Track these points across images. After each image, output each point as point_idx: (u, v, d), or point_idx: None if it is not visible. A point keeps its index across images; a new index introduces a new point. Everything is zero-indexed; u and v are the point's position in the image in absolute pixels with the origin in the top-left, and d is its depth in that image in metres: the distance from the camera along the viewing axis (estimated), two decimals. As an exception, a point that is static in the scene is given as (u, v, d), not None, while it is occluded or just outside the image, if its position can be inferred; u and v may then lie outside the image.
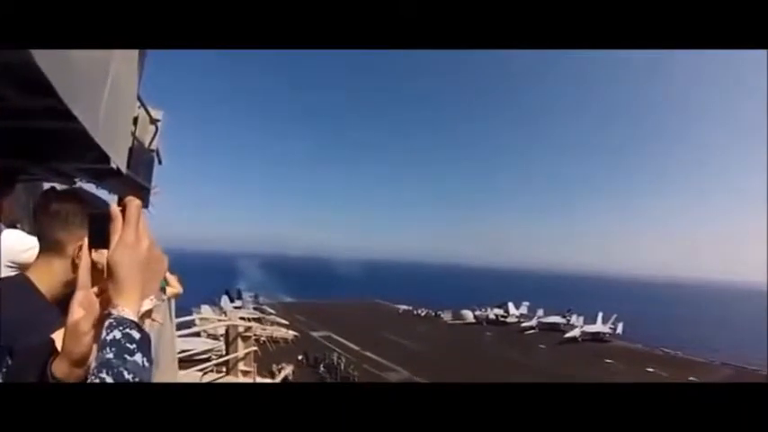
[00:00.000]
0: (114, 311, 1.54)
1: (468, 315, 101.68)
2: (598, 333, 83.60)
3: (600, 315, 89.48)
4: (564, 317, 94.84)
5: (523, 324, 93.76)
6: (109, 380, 1.39)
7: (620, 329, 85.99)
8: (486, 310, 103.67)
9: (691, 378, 57.60)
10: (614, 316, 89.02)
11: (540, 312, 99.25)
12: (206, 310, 62.28)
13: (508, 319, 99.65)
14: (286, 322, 75.80)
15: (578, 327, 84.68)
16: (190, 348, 21.01)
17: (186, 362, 16.93)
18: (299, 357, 54.14)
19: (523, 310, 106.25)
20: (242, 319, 28.73)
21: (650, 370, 61.08)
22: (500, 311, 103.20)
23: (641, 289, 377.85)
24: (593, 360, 66.54)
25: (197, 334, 29.35)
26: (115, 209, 1.64)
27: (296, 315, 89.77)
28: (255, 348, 19.10)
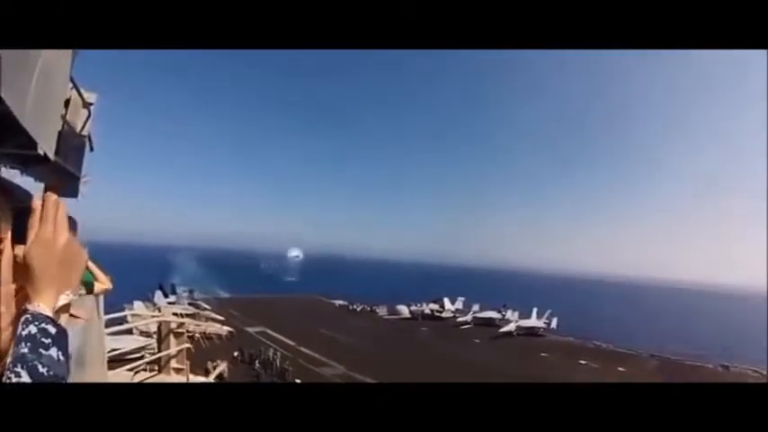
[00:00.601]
0: (30, 307, 1.55)
1: (404, 310, 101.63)
2: (533, 328, 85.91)
3: (535, 310, 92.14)
4: (499, 312, 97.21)
5: (459, 319, 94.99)
6: (24, 374, 1.41)
7: (554, 324, 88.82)
8: (421, 305, 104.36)
9: (620, 369, 59.74)
10: (548, 311, 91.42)
11: (476, 307, 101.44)
12: (138, 307, 60.37)
13: (443, 314, 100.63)
14: (221, 318, 73.54)
15: (513, 321, 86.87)
16: (121, 347, 20.42)
17: (116, 361, 16.38)
18: (235, 354, 53.16)
19: (459, 305, 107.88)
20: (175, 314, 28.08)
21: (583, 362, 62.97)
22: (435, 306, 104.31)
23: (575, 286, 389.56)
24: (529, 353, 68.20)
25: (129, 331, 28.59)
26: (36, 203, 1.62)
27: (231, 310, 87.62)
28: (188, 345, 18.61)
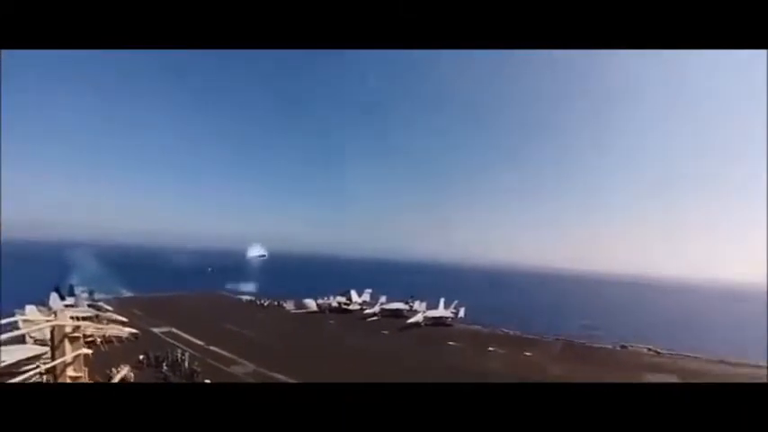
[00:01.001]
0: None
1: (311, 304, 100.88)
2: (440, 317, 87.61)
3: (442, 300, 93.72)
4: (407, 303, 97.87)
5: (366, 311, 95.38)
6: None
7: (461, 314, 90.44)
8: (328, 299, 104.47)
9: (527, 353, 62.71)
10: (456, 301, 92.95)
11: (383, 299, 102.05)
12: (31, 311, 57.15)
13: (351, 307, 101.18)
14: (124, 319, 69.38)
15: (421, 312, 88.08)
16: (9, 359, 19.19)
17: (5, 374, 15.34)
18: (141, 357, 50.93)
19: (366, 297, 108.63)
20: (72, 318, 26.76)
21: (491, 349, 64.67)
22: (343, 299, 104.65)
23: (489, 277, 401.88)
24: (437, 342, 69.92)
25: (22, 339, 27.09)
26: None
27: (135, 311, 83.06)
28: (86, 351, 17.60)
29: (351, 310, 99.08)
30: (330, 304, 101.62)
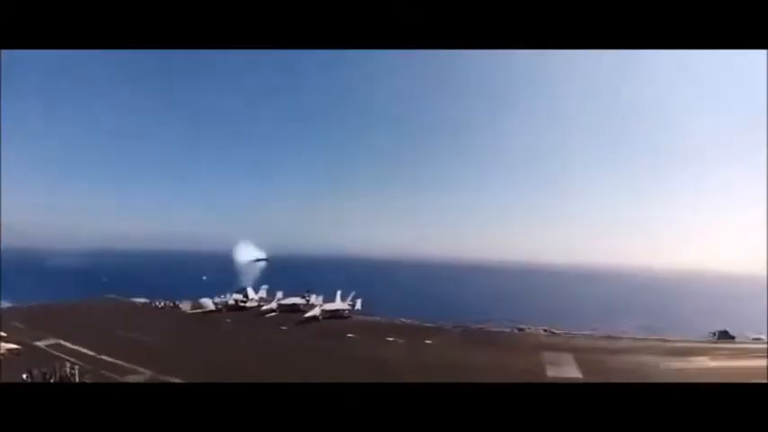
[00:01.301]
0: None
1: (208, 303, 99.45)
2: (338, 310, 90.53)
3: (338, 293, 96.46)
4: (303, 297, 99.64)
5: (263, 307, 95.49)
6: None
7: (358, 305, 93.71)
8: (225, 297, 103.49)
9: (427, 341, 66.18)
10: (353, 293, 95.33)
11: (280, 295, 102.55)
12: None
13: (248, 304, 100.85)
14: (2, 333, 67.42)
15: (318, 306, 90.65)
16: None
17: None
18: (24, 376, 48.19)
19: (262, 293, 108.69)
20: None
21: (390, 339, 66.67)
22: (239, 297, 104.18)
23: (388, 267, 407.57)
24: (336, 335, 72.71)
25: None
26: None
27: (16, 323, 75.21)
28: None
29: (248, 308, 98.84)
30: (227, 302, 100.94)
